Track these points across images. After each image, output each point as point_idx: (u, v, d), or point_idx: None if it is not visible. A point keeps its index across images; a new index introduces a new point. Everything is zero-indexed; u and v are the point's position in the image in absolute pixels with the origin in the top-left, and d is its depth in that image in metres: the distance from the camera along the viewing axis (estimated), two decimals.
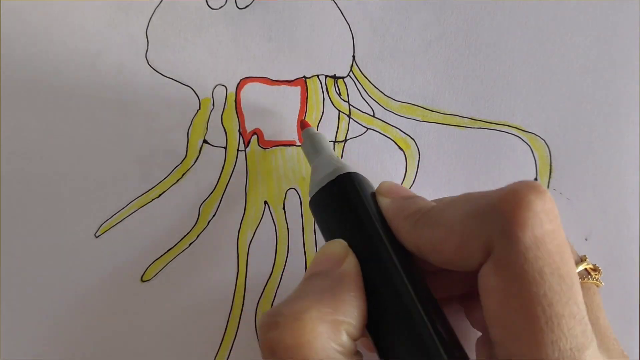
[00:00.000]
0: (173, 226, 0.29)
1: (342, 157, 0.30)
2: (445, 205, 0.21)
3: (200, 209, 0.29)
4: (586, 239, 0.30)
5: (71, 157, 0.29)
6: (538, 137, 0.30)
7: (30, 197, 0.29)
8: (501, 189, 0.19)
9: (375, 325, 0.21)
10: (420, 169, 0.30)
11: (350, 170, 0.24)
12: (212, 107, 0.30)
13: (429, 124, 0.30)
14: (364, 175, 0.28)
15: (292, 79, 0.30)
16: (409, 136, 0.30)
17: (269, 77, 0.30)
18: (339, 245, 0.22)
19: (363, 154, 0.30)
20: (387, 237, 0.22)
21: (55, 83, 0.29)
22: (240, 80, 0.30)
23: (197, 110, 0.30)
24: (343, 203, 0.23)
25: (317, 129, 0.30)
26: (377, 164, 0.30)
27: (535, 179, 0.30)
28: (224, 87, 0.30)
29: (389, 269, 0.21)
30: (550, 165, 0.30)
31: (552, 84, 0.30)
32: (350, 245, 0.22)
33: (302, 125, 0.29)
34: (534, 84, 0.30)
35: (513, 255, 0.18)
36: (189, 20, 0.30)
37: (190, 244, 0.29)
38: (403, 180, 0.30)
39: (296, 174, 0.30)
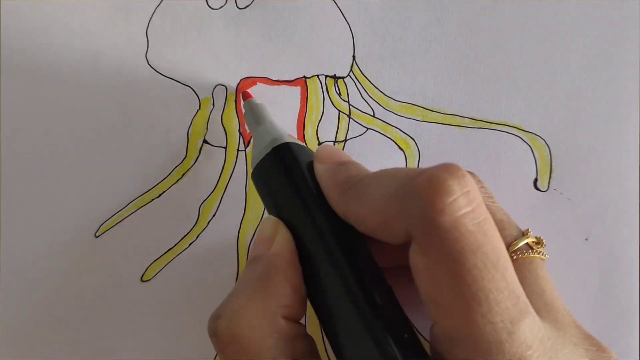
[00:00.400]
0: (173, 226, 0.29)
1: None
2: (372, 178, 0.21)
3: (200, 209, 0.29)
4: (586, 239, 0.30)
5: (71, 157, 0.29)
6: (538, 137, 0.30)
7: (30, 197, 0.29)
8: (422, 171, 0.19)
9: (315, 296, 0.21)
10: None
11: (288, 140, 0.24)
12: (212, 107, 0.30)
13: (429, 124, 0.30)
14: None
15: (292, 79, 0.30)
16: (409, 136, 0.30)
17: (269, 77, 0.30)
18: (269, 223, 0.23)
19: (363, 154, 0.30)
20: (322, 206, 0.22)
21: (55, 83, 0.29)
22: (241, 80, 0.30)
23: (197, 110, 0.30)
24: (281, 175, 0.23)
25: (317, 129, 0.30)
26: (377, 164, 0.30)
27: (536, 179, 0.30)
28: (224, 87, 0.30)
29: (324, 239, 0.21)
30: (551, 165, 0.30)
31: (552, 84, 0.30)
32: (287, 217, 0.22)
33: (244, 95, 0.29)
34: (534, 84, 0.30)
35: (434, 238, 0.18)
36: (189, 20, 0.30)
37: (190, 244, 0.29)
38: None
39: None
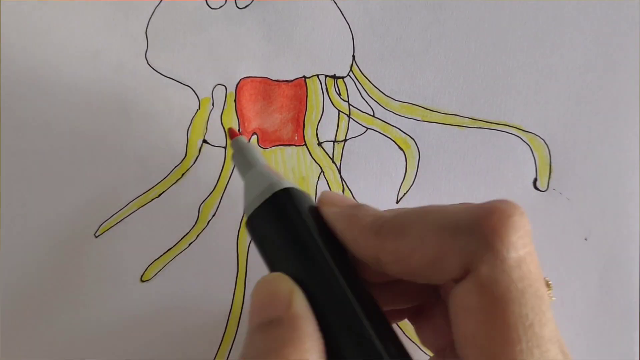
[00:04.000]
0: (173, 226, 0.29)
1: (341, 157, 0.30)
2: (416, 214, 0.20)
3: (200, 208, 0.29)
4: (586, 239, 0.30)
5: (71, 157, 0.29)
6: (538, 137, 0.30)
7: (30, 196, 0.29)
8: (483, 204, 0.19)
9: (333, 354, 0.20)
10: (420, 169, 0.30)
11: (287, 185, 0.22)
12: (211, 106, 0.30)
13: (429, 124, 0.30)
14: (362, 174, 0.28)
15: (292, 78, 0.30)
16: (409, 136, 0.30)
17: (268, 77, 0.30)
18: (283, 282, 0.20)
19: (363, 154, 0.30)
20: (331, 256, 0.20)
21: (55, 83, 0.29)
22: (240, 80, 0.30)
23: (197, 110, 0.30)
24: (281, 225, 0.21)
25: (317, 129, 0.30)
26: (377, 164, 0.30)
27: (536, 179, 0.30)
28: (224, 87, 0.30)
29: (343, 302, 0.20)
30: (550, 165, 0.30)
31: (552, 84, 0.30)
32: (294, 271, 0.20)
33: (231, 133, 0.26)
34: (534, 84, 0.30)
35: (499, 274, 0.18)
36: (188, 20, 0.30)
37: (190, 244, 0.29)
38: (403, 180, 0.30)
39: (296, 173, 0.30)
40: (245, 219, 0.23)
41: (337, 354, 0.19)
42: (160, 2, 0.29)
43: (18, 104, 0.29)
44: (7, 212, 0.29)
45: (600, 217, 0.30)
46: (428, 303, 0.24)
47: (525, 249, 0.18)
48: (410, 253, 0.19)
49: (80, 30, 0.29)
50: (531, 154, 0.30)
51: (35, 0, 0.29)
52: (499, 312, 0.17)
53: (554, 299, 0.24)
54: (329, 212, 0.22)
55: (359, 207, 0.22)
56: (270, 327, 0.20)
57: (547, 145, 0.30)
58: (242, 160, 0.25)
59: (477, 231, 0.18)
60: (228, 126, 0.29)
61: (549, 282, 0.24)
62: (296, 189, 0.22)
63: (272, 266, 0.22)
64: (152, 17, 0.29)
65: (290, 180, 0.25)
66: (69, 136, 0.29)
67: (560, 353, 0.18)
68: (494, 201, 0.19)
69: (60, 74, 0.29)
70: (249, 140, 0.30)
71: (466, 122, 0.30)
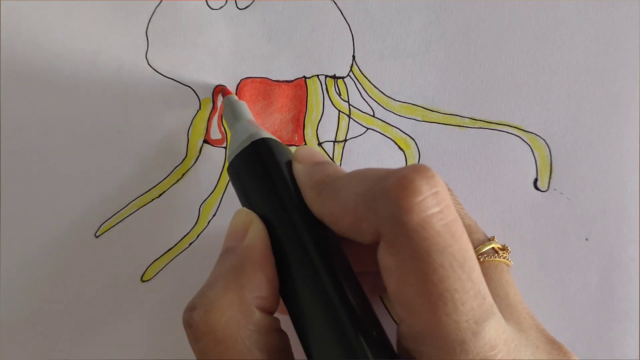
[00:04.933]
0: (173, 226, 0.29)
1: (341, 157, 0.30)
2: (345, 179, 0.21)
3: (201, 209, 0.29)
4: (586, 239, 0.30)
5: (71, 157, 0.29)
6: (538, 137, 0.30)
7: (30, 197, 0.29)
8: (392, 172, 0.20)
9: (287, 291, 0.21)
10: None
11: (265, 136, 0.24)
12: (212, 107, 0.30)
13: (429, 124, 0.30)
14: None
15: (292, 79, 0.30)
16: (409, 136, 0.30)
17: (269, 77, 0.30)
18: (242, 215, 0.23)
19: (363, 154, 0.30)
20: (298, 203, 0.22)
21: (55, 83, 0.29)
22: (241, 80, 0.30)
23: (198, 111, 0.30)
24: (257, 169, 0.23)
25: (317, 129, 0.30)
26: (377, 164, 0.30)
27: (536, 179, 0.30)
28: (224, 87, 0.30)
29: (297, 234, 0.21)
30: (551, 165, 0.30)
31: (552, 84, 0.30)
32: (262, 212, 0.22)
33: (223, 92, 0.29)
34: (534, 84, 0.30)
35: (402, 238, 0.18)
36: (189, 21, 0.30)
37: (190, 244, 0.29)
38: None
39: None
40: (227, 165, 0.25)
41: (291, 294, 0.21)
42: (161, 2, 0.29)
43: (18, 104, 0.29)
44: (7, 212, 0.29)
45: (600, 217, 0.30)
46: None
47: (429, 211, 0.19)
48: (339, 215, 0.21)
49: (80, 30, 0.29)
50: (532, 154, 0.30)
51: (35, 0, 0.29)
52: (409, 271, 0.19)
53: (511, 263, 0.25)
54: (295, 167, 0.23)
55: (319, 164, 0.23)
56: (224, 255, 0.22)
57: (547, 145, 0.30)
58: (230, 115, 0.27)
59: (383, 199, 0.19)
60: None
61: (499, 246, 0.25)
62: (274, 140, 0.24)
63: (244, 206, 0.24)
64: (153, 17, 0.29)
65: None
66: (69, 136, 0.29)
67: (480, 306, 0.18)
68: (402, 168, 0.20)
69: (61, 74, 0.29)
70: None
71: (466, 122, 0.30)
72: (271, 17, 0.30)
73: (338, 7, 0.30)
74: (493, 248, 0.25)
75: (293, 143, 0.30)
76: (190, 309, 0.21)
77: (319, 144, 0.30)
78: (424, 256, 0.18)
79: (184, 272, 0.29)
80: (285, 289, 0.21)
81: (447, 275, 0.18)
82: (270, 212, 0.22)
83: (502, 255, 0.24)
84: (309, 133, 0.30)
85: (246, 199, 0.24)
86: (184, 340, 0.29)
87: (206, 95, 0.30)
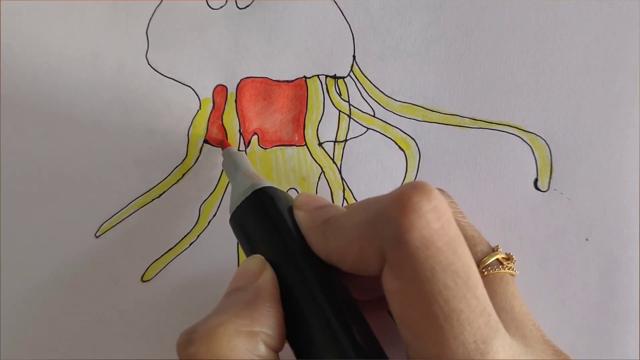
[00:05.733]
0: (173, 226, 0.29)
1: (342, 157, 0.30)
2: (347, 211, 0.22)
3: (201, 209, 0.30)
4: (587, 239, 0.30)
5: (71, 157, 0.29)
6: (538, 137, 0.30)
7: (30, 197, 0.29)
8: (391, 193, 0.19)
9: (294, 335, 0.21)
10: (420, 169, 0.30)
11: (265, 185, 0.24)
12: (212, 107, 0.30)
13: (429, 124, 0.30)
14: (362, 174, 0.28)
15: (293, 79, 0.30)
16: (410, 136, 0.30)
17: (269, 77, 0.30)
18: (256, 260, 0.22)
19: (363, 154, 0.30)
20: (302, 249, 0.22)
21: (55, 83, 0.29)
22: (241, 80, 0.30)
23: (198, 111, 0.30)
24: (259, 219, 0.23)
25: (318, 129, 0.30)
26: (377, 164, 0.30)
27: (536, 179, 0.30)
28: (225, 87, 0.30)
29: (303, 280, 0.21)
30: (551, 165, 0.30)
31: (552, 84, 0.30)
32: (269, 260, 0.22)
33: (222, 145, 0.29)
34: (534, 84, 0.30)
35: (404, 258, 0.18)
36: (189, 21, 0.30)
37: (190, 244, 0.29)
38: (403, 180, 0.30)
39: (296, 174, 0.30)
40: (230, 216, 0.25)
41: (298, 334, 0.21)
42: (161, 2, 0.29)
43: (18, 104, 0.29)
44: (7, 212, 0.29)
45: (601, 217, 0.30)
46: None
47: (430, 227, 0.18)
48: (345, 249, 0.21)
49: (80, 30, 0.29)
50: (532, 154, 0.30)
51: (35, 0, 0.29)
52: (413, 293, 0.18)
53: (517, 272, 0.24)
54: (296, 214, 0.23)
55: (320, 208, 0.23)
56: (233, 292, 0.22)
57: (547, 145, 0.30)
58: (231, 165, 0.27)
59: (384, 220, 0.19)
60: (228, 127, 0.30)
61: (504, 256, 0.24)
62: (274, 188, 0.24)
63: (248, 254, 0.24)
64: (153, 17, 0.29)
65: (296, 179, 0.28)
66: (69, 136, 0.29)
67: (486, 324, 0.18)
68: (401, 186, 0.19)
69: (61, 74, 0.29)
70: (250, 141, 0.30)
71: (467, 122, 0.30)
72: (271, 17, 0.30)
73: (338, 7, 0.30)
74: (497, 259, 0.24)
75: (293, 143, 0.30)
76: (190, 332, 0.20)
77: (319, 144, 0.30)
78: (428, 276, 0.18)
79: (185, 272, 0.29)
80: (293, 333, 0.21)
81: (453, 295, 0.18)
82: (276, 259, 0.22)
83: (506, 266, 0.24)
84: (309, 133, 0.30)
85: (251, 247, 0.24)
86: None
87: (206, 95, 0.30)
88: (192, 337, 0.20)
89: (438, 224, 0.18)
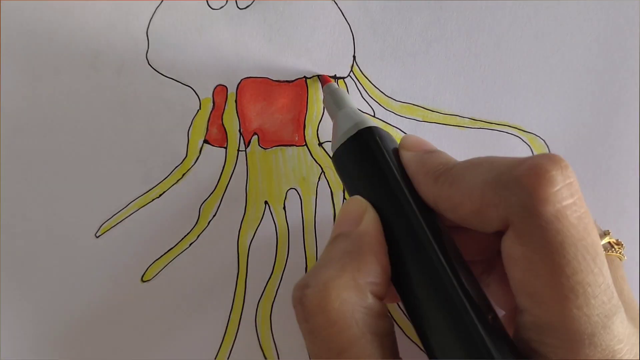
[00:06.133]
0: (173, 226, 0.29)
1: None
2: (468, 165, 0.21)
3: (201, 209, 0.29)
4: None
5: (71, 157, 0.29)
6: (538, 137, 0.30)
7: (30, 197, 0.29)
8: (523, 160, 0.19)
9: (400, 278, 0.21)
10: None
11: (371, 125, 0.24)
12: (212, 107, 0.30)
13: (429, 124, 0.30)
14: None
15: (293, 79, 0.30)
16: None
17: (269, 77, 0.30)
18: (357, 202, 0.22)
19: None
20: (409, 191, 0.22)
21: (55, 83, 0.29)
22: (241, 80, 0.30)
23: (198, 110, 0.30)
24: (364, 158, 0.23)
25: (318, 129, 0.30)
26: None
27: None
28: (225, 87, 0.30)
29: (410, 222, 0.21)
30: None
31: (552, 84, 0.30)
32: (372, 200, 0.22)
33: (323, 80, 0.29)
34: (534, 84, 0.30)
35: (534, 228, 0.18)
36: (189, 21, 0.30)
37: (190, 244, 0.29)
38: None
39: (297, 174, 0.30)
40: (332, 153, 0.25)
41: (405, 280, 0.21)
42: (161, 2, 0.29)
43: (18, 104, 0.29)
44: (7, 212, 0.29)
45: (600, 218, 0.30)
46: (497, 258, 0.24)
47: (564, 202, 0.18)
48: (460, 203, 0.21)
49: (80, 30, 0.29)
50: (531, 154, 0.30)
51: (35, 0, 0.29)
52: (540, 262, 0.18)
53: (625, 258, 0.24)
54: (403, 155, 0.23)
55: (431, 152, 0.23)
56: (338, 239, 0.22)
57: (547, 145, 0.30)
58: (332, 102, 0.27)
59: (515, 187, 0.19)
60: (228, 127, 0.30)
61: (615, 241, 0.24)
62: (380, 128, 0.24)
63: (352, 194, 0.24)
64: (153, 17, 0.29)
65: (296, 179, 0.28)
66: (69, 136, 0.29)
67: (609, 300, 0.18)
68: (535, 156, 0.19)
69: (61, 75, 0.29)
70: (250, 141, 0.30)
71: (466, 122, 0.30)
72: (272, 17, 0.30)
73: (338, 7, 0.30)
74: (609, 242, 0.24)
75: (293, 143, 0.30)
76: (303, 286, 0.20)
77: (320, 144, 0.30)
78: (558, 248, 0.18)
79: (185, 272, 0.29)
80: (399, 277, 0.21)
81: (580, 269, 0.18)
82: (381, 200, 0.22)
83: (617, 250, 0.24)
84: (310, 133, 0.30)
85: (354, 188, 0.24)
86: (184, 340, 0.29)
87: (206, 95, 0.30)
88: (305, 293, 0.20)
89: (572, 199, 0.19)
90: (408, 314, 0.21)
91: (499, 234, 0.20)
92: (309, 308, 0.20)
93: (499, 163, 0.20)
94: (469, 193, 0.20)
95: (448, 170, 0.21)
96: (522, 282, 0.19)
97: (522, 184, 0.19)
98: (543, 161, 0.19)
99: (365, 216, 0.22)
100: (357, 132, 0.24)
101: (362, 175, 0.23)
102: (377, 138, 0.24)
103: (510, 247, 0.19)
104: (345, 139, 0.24)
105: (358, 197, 0.23)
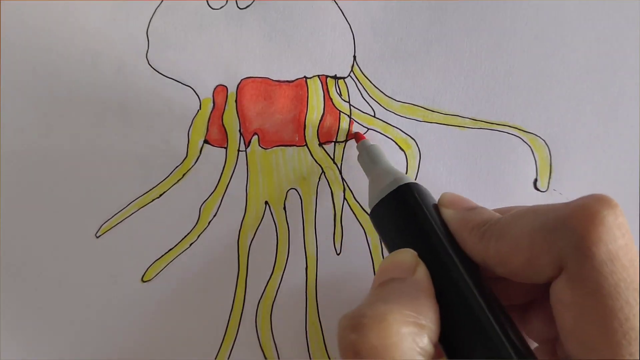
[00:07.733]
0: (173, 226, 0.29)
1: (342, 158, 0.30)
2: (513, 218, 0.21)
3: (201, 209, 0.29)
4: None
5: (71, 157, 0.29)
6: (538, 138, 0.30)
7: (30, 197, 0.29)
8: (571, 203, 0.19)
9: (447, 335, 0.21)
10: (420, 170, 0.30)
11: (409, 181, 0.24)
12: (212, 107, 0.30)
13: (429, 125, 0.30)
14: (363, 175, 0.28)
15: (293, 79, 0.30)
16: (410, 136, 0.30)
17: (269, 77, 0.30)
18: (409, 254, 0.22)
19: None
20: (453, 248, 0.22)
21: (55, 83, 0.29)
22: (241, 80, 0.30)
23: (198, 111, 0.30)
24: (405, 214, 0.24)
25: (318, 129, 0.30)
26: None
27: (536, 180, 0.30)
28: (225, 87, 0.30)
29: (457, 279, 0.21)
30: (551, 166, 0.30)
31: (552, 84, 0.30)
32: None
33: (357, 137, 0.29)
34: (534, 84, 0.30)
35: (588, 270, 0.18)
36: (189, 21, 0.30)
37: (190, 245, 0.29)
38: None
39: (297, 174, 0.30)
40: (370, 209, 0.25)
41: (451, 333, 0.21)
42: (161, 2, 0.29)
43: (18, 104, 0.29)
44: (7, 212, 0.29)
45: None
46: (537, 299, 0.24)
47: (617, 243, 0.18)
48: (509, 256, 0.20)
49: (80, 30, 0.29)
50: (532, 155, 0.30)
51: (35, 0, 0.29)
52: (593, 306, 0.18)
53: None
54: (445, 213, 0.23)
55: (472, 210, 0.23)
56: (392, 282, 0.21)
57: (547, 145, 0.30)
58: (368, 158, 0.28)
59: (565, 230, 0.19)
60: (228, 127, 0.30)
61: None
62: (418, 184, 0.24)
63: (391, 249, 0.24)
64: (153, 17, 0.29)
65: (296, 179, 0.28)
66: (69, 136, 0.29)
67: None
68: (583, 198, 0.19)
69: (61, 74, 0.29)
70: (250, 141, 0.30)
71: (467, 122, 0.30)
72: (272, 17, 0.30)
73: (339, 8, 0.30)
74: None
75: (294, 143, 0.30)
76: (358, 316, 0.19)
77: (320, 144, 0.30)
78: (611, 292, 0.18)
79: (185, 272, 0.29)
80: (446, 333, 0.21)
81: (633, 314, 0.18)
82: (424, 256, 0.22)
83: None
84: (310, 133, 0.30)
85: (395, 242, 0.24)
86: (184, 340, 0.29)
87: (206, 95, 0.30)
88: (361, 322, 0.19)
89: (623, 240, 0.18)
90: None
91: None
92: (365, 339, 0.19)
93: (544, 210, 0.20)
94: (517, 244, 0.20)
95: (493, 225, 0.21)
96: (571, 327, 0.19)
97: (572, 226, 0.18)
98: (592, 202, 0.19)
99: (418, 268, 0.22)
100: (397, 187, 0.24)
101: (404, 232, 0.23)
102: (417, 195, 0.24)
103: (560, 292, 0.19)
104: (384, 195, 0.24)
105: (409, 250, 0.22)
